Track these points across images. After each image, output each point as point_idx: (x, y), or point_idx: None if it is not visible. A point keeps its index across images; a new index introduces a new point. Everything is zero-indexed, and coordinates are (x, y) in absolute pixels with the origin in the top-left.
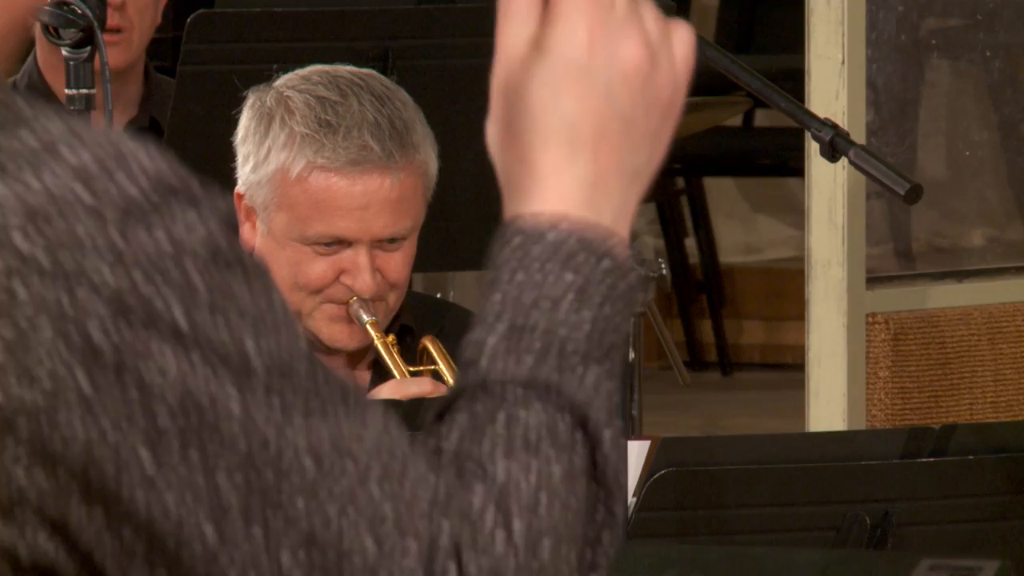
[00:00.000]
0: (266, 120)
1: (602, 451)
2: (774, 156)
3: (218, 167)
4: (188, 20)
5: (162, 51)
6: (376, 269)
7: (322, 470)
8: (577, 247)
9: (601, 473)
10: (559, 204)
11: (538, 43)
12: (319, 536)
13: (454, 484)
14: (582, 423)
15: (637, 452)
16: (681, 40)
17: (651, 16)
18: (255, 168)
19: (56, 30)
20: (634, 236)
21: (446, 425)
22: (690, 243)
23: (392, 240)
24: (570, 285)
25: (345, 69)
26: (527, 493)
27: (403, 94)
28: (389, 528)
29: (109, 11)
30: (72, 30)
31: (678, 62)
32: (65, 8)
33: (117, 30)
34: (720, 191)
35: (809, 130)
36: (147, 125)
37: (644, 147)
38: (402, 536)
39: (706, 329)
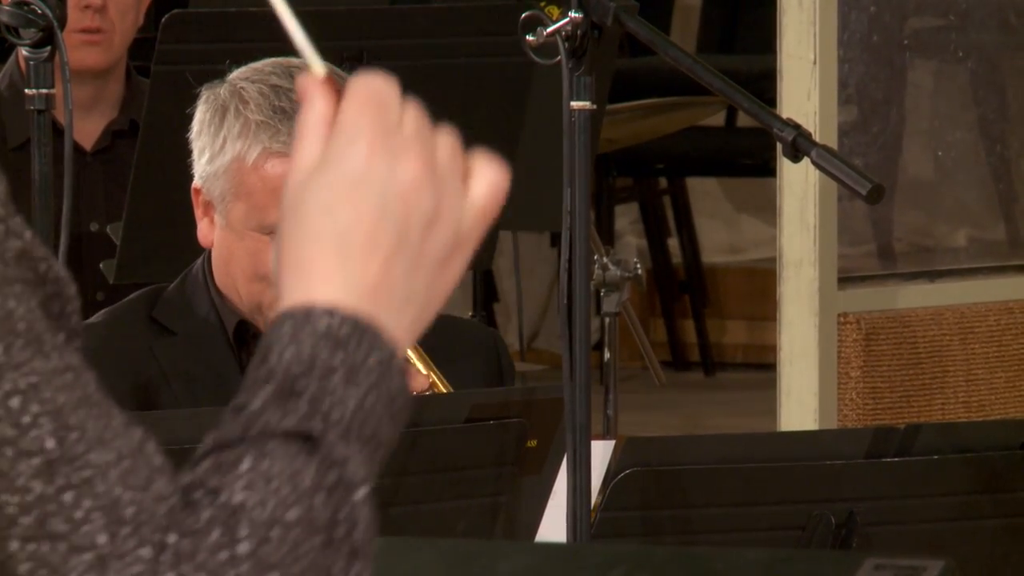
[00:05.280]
0: (220, 112)
1: (350, 509)
2: (757, 156)
3: (191, 167)
4: (162, 20)
5: (145, 52)
6: None
7: (65, 454)
8: (350, 331)
9: (346, 530)
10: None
11: (322, 157)
12: (50, 524)
13: (188, 504)
14: (334, 478)
15: (602, 452)
16: (485, 179)
17: (447, 147)
18: (211, 160)
19: (16, 30)
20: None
21: (194, 465)
22: (673, 243)
23: None
24: (341, 363)
25: (298, 60)
26: (258, 522)
27: None
28: (127, 528)
29: (90, 12)
30: (32, 30)
31: (474, 197)
32: (25, 8)
33: (97, 31)
34: (703, 191)
35: (771, 130)
36: (127, 128)
37: (420, 270)
38: (136, 538)
39: (688, 329)
